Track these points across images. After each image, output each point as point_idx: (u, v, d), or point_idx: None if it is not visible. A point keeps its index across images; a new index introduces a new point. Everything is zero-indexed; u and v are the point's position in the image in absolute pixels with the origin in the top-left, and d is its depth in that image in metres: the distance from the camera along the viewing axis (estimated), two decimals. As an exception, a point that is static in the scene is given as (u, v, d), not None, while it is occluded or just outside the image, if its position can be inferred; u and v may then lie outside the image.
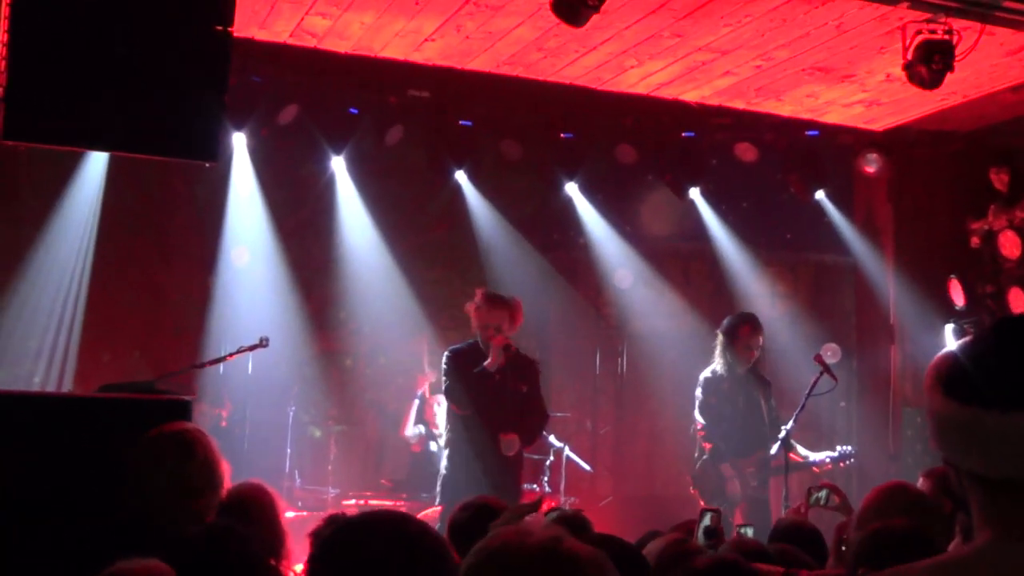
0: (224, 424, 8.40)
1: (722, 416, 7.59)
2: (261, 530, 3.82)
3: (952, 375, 1.78)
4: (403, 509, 8.23)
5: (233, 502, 3.90)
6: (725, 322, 7.80)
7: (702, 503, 7.39)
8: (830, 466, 7.66)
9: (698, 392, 7.70)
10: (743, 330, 7.67)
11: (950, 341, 8.38)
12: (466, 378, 6.92)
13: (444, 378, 7.03)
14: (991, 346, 1.76)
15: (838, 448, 7.71)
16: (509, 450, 6.82)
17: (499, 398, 6.88)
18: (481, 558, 1.73)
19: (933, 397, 1.81)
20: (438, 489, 7.13)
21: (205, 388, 8.32)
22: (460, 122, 9.00)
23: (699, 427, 7.65)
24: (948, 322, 8.97)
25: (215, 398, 8.45)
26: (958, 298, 8.99)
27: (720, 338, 7.72)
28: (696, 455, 7.69)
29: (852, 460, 7.72)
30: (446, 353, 7.13)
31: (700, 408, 7.66)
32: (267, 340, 6.89)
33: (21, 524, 3.97)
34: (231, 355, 6.93)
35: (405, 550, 2.06)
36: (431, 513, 7.55)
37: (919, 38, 6.60)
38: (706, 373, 7.72)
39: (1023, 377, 1.71)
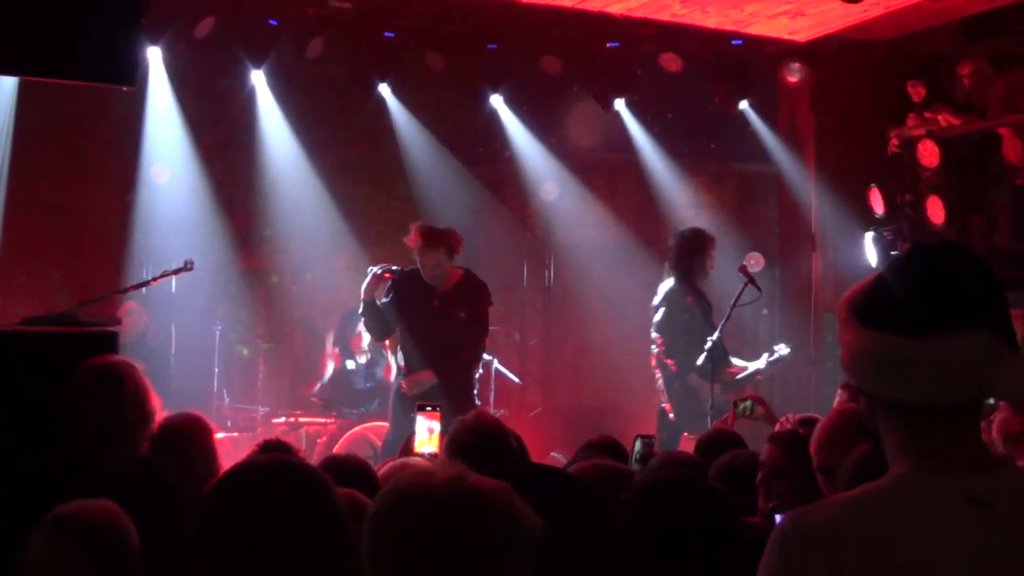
0: (150, 339, 8.29)
1: (687, 331, 7.50)
2: (193, 462, 3.82)
3: (869, 304, 1.79)
4: (333, 426, 8.30)
5: (167, 435, 3.88)
6: (685, 235, 7.77)
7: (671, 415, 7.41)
8: (769, 372, 7.69)
9: (658, 305, 7.62)
10: (709, 244, 7.67)
11: (870, 249, 8.50)
12: (406, 305, 6.94)
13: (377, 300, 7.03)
14: (908, 274, 1.77)
15: (775, 351, 7.74)
16: (414, 388, 6.85)
17: (437, 325, 6.94)
18: (386, 503, 1.74)
19: (848, 328, 1.82)
20: (390, 408, 7.20)
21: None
22: (384, 34, 8.82)
23: (659, 343, 7.57)
24: (868, 230, 9.11)
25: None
26: (878, 206, 9.13)
27: (677, 249, 7.67)
28: (660, 376, 7.57)
29: (787, 359, 7.69)
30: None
31: (661, 324, 7.59)
32: (192, 263, 6.82)
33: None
34: (155, 279, 6.86)
35: (295, 503, 2.05)
36: (377, 427, 7.71)
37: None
38: (667, 286, 7.65)
39: (941, 303, 1.73)
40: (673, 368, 7.50)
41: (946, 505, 1.69)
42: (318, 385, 8.84)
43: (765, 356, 7.67)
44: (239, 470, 2.20)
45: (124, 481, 3.36)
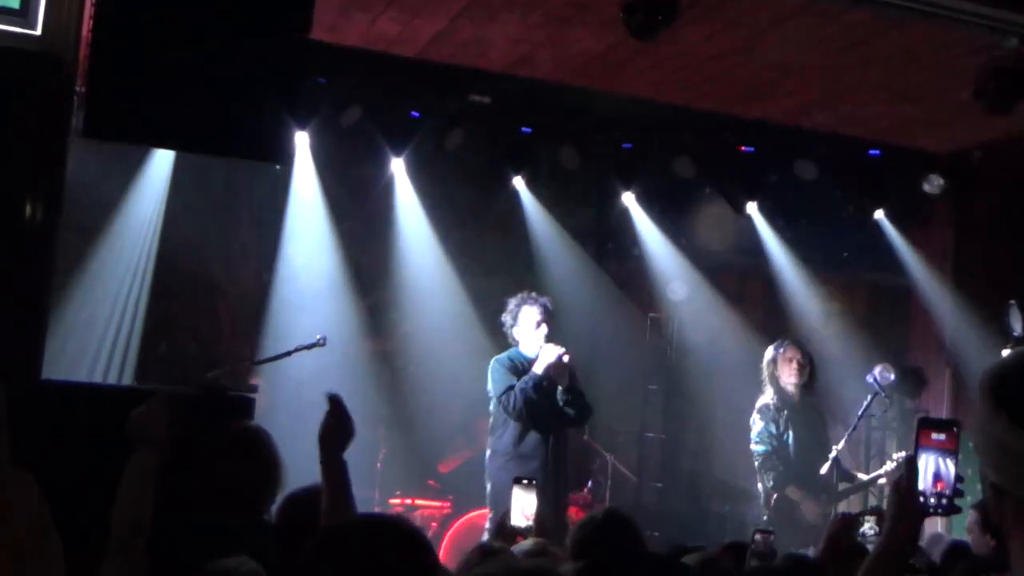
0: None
1: (782, 444, 7.49)
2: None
3: (1018, 397, 1.71)
4: (448, 509, 8.32)
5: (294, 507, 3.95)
6: (776, 344, 7.75)
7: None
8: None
9: (756, 420, 7.61)
10: (784, 356, 7.61)
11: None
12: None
13: (497, 384, 7.09)
14: None
15: (894, 456, 7.56)
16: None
17: (549, 400, 6.99)
18: None
19: (990, 416, 1.74)
20: (488, 493, 7.18)
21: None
22: (520, 129, 9.03)
23: (758, 457, 7.55)
24: (1005, 348, 8.85)
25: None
26: (1017, 324, 8.88)
27: (770, 361, 7.66)
28: (760, 487, 7.56)
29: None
30: (495, 359, 7.26)
31: (758, 437, 7.56)
32: (324, 339, 6.99)
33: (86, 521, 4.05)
34: (289, 352, 7.03)
35: (390, 558, 2.08)
36: (479, 516, 7.67)
37: (990, 63, 6.55)
38: (764, 401, 7.63)
39: None
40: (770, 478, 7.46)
41: None
42: (450, 467, 8.91)
43: (888, 465, 7.50)
44: (343, 524, 2.24)
45: (251, 543, 3.46)
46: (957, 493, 2.23)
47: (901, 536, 2.21)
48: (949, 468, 2.24)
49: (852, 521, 4.08)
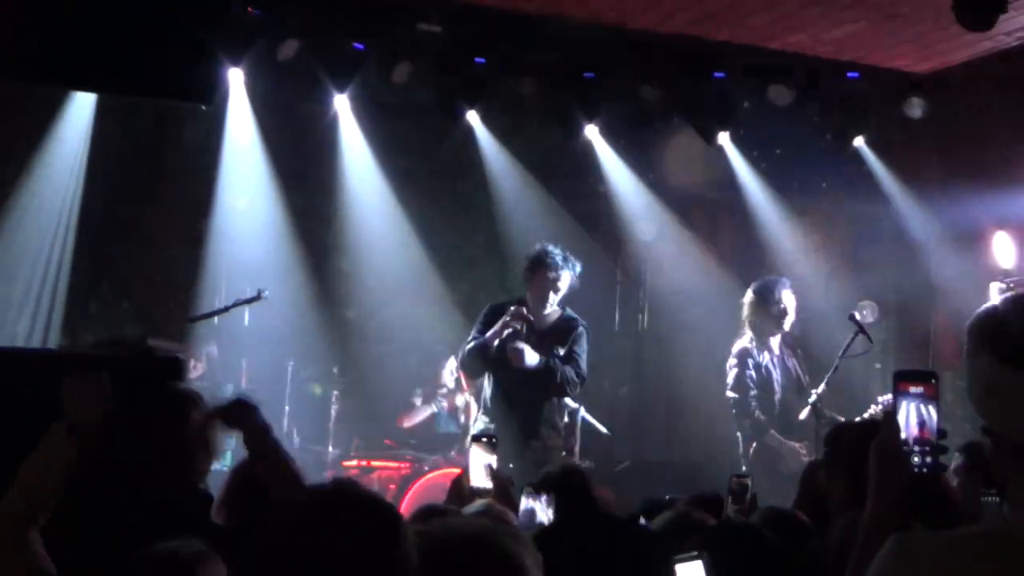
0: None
1: (760, 390, 7.55)
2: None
3: (1006, 337, 1.74)
4: (406, 470, 8.34)
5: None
6: (754, 289, 7.77)
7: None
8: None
9: (733, 365, 7.65)
10: (775, 291, 7.64)
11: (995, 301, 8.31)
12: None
13: (475, 333, 7.10)
14: None
15: (881, 402, 7.64)
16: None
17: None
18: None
19: (980, 359, 1.75)
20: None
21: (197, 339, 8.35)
22: (474, 59, 8.93)
23: (733, 404, 7.63)
24: (993, 280, 8.92)
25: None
26: (1005, 255, 8.95)
27: (750, 304, 7.68)
28: (739, 436, 7.64)
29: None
30: (489, 305, 7.28)
31: (732, 384, 7.62)
32: (265, 292, 6.95)
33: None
34: (227, 308, 7.00)
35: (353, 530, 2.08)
36: (441, 476, 7.70)
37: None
38: (741, 345, 7.68)
39: None
40: (749, 425, 7.54)
41: None
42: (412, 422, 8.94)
43: (872, 409, 7.55)
44: (307, 494, 2.23)
45: (187, 514, 3.45)
46: (941, 448, 2.24)
47: (889, 498, 2.19)
48: (931, 414, 2.24)
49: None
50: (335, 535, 2.06)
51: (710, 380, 9.07)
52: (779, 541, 3.09)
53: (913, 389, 2.26)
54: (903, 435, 2.22)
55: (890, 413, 2.25)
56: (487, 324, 7.10)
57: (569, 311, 7.28)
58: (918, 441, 2.22)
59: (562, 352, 7.10)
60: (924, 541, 1.71)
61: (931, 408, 2.24)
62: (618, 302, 10.20)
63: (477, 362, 7.10)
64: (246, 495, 3.79)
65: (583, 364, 7.20)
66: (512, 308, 7.02)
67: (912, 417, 2.23)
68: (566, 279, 7.10)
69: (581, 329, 7.25)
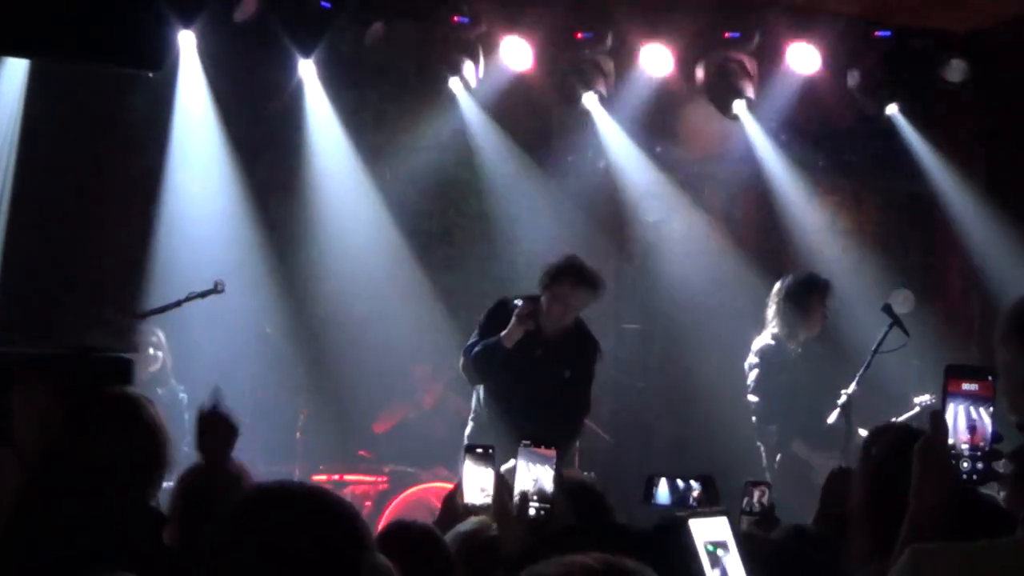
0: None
1: (785, 392, 7.57)
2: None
3: None
4: (384, 484, 8.34)
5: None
6: (792, 284, 7.76)
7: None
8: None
9: (754, 364, 7.68)
10: (823, 295, 7.65)
11: (1046, 288, 8.36)
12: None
13: (476, 334, 7.14)
14: None
15: (918, 404, 7.65)
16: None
17: (533, 378, 7.03)
18: None
19: (1009, 348, 1.77)
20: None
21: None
22: (455, 18, 8.93)
23: (755, 408, 7.66)
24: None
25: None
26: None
27: (782, 300, 7.68)
28: (761, 445, 7.70)
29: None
30: (497, 300, 7.28)
31: (756, 384, 7.64)
32: (222, 285, 6.95)
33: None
34: (179, 302, 6.99)
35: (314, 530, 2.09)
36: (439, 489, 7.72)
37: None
38: (764, 341, 7.71)
39: None
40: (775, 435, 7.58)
41: None
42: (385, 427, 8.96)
43: (908, 414, 7.60)
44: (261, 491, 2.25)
45: (136, 535, 3.46)
46: (994, 454, 2.23)
47: (929, 508, 2.18)
48: (984, 418, 2.23)
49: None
50: (281, 525, 2.08)
51: (725, 381, 9.09)
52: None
53: (966, 387, 2.25)
54: (950, 439, 2.21)
55: (938, 412, 2.24)
56: (494, 323, 7.10)
57: (585, 325, 7.30)
58: (968, 445, 2.21)
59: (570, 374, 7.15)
60: (942, 552, 1.74)
61: (984, 409, 2.23)
62: (622, 293, 10.19)
63: (484, 366, 7.08)
64: (201, 511, 3.79)
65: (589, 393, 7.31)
66: (521, 302, 7.01)
67: (961, 418, 2.23)
68: (585, 300, 7.08)
69: (599, 353, 7.34)
